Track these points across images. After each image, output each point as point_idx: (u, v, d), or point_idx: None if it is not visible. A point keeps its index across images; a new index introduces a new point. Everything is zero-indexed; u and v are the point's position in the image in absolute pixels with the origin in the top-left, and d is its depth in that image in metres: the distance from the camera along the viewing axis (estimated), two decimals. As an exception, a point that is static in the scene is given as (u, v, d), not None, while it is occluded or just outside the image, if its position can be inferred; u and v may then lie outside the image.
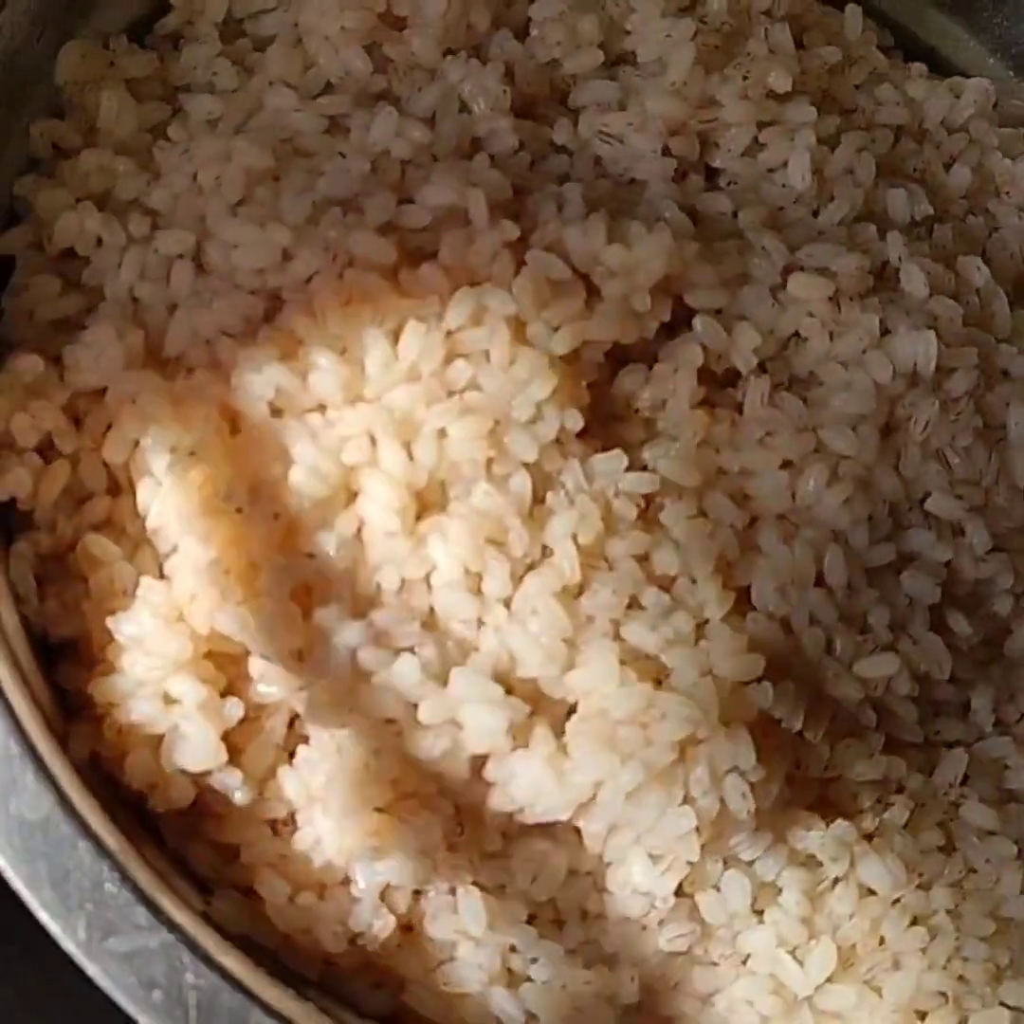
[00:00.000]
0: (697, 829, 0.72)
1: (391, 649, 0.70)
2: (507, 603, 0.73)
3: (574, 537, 0.73)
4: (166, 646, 0.69)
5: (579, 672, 0.72)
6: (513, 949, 0.73)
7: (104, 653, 0.71)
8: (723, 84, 0.85)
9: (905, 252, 0.84)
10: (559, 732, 0.71)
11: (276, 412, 0.72)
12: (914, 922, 0.77)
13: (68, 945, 0.63)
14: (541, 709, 0.72)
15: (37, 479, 0.74)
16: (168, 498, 0.71)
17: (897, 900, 0.77)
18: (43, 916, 0.63)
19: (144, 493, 0.72)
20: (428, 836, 0.70)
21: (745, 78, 0.85)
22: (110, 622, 0.70)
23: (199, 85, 0.83)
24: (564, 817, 0.71)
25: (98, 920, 0.63)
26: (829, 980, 0.76)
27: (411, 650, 0.70)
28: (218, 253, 0.75)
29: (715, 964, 0.75)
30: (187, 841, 0.72)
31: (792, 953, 0.76)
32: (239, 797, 0.70)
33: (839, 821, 0.76)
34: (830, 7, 0.95)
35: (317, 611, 0.70)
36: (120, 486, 0.75)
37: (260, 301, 0.75)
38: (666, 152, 0.84)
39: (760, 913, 0.76)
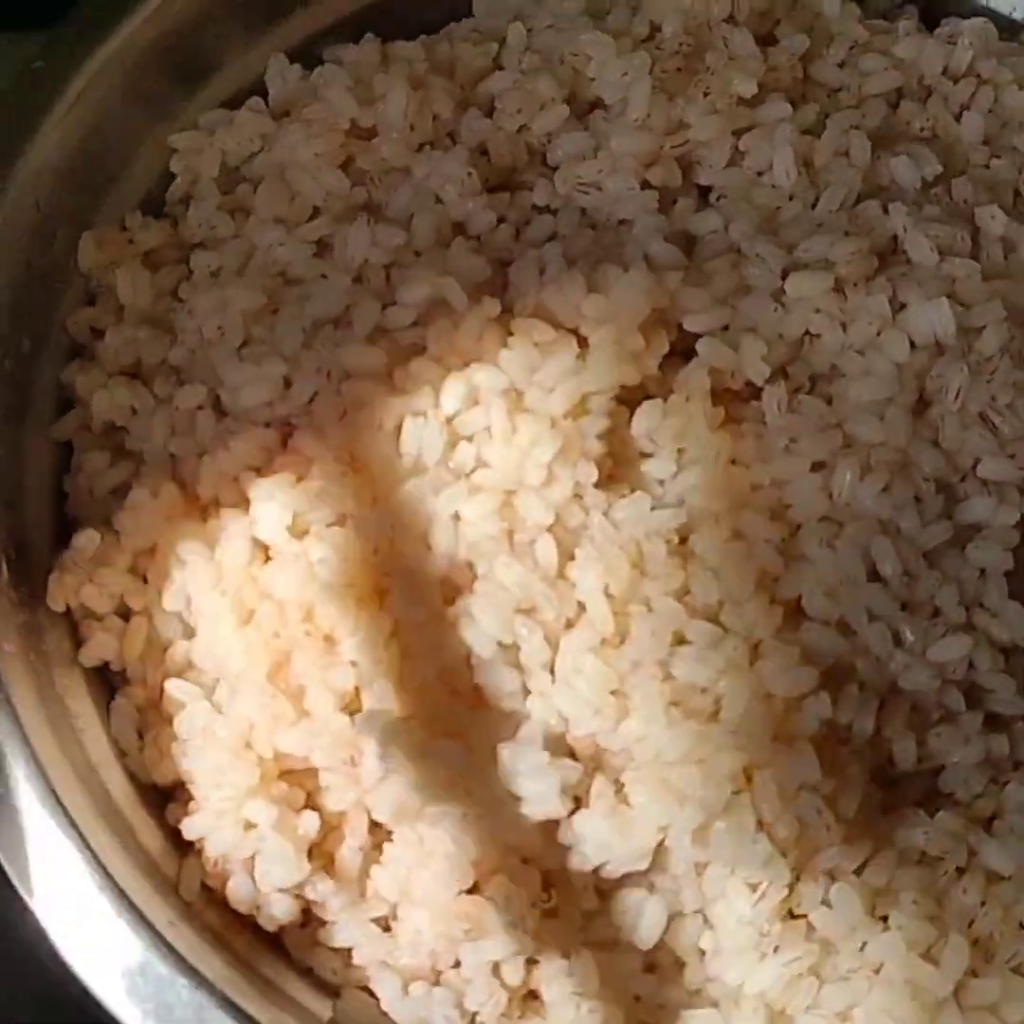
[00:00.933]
0: (782, 853, 0.71)
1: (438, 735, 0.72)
2: (550, 668, 0.74)
3: (605, 588, 0.74)
4: (235, 775, 0.73)
5: (630, 720, 0.73)
6: (638, 998, 0.74)
7: (189, 791, 0.75)
8: (688, 105, 0.85)
9: (909, 222, 0.83)
10: (619, 785, 0.72)
11: (299, 534, 0.76)
12: (1049, 903, 0.74)
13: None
14: (604, 765, 0.73)
15: (120, 639, 0.80)
16: (213, 634, 0.75)
17: (1033, 882, 0.74)
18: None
19: (203, 635, 0.77)
20: (515, 908, 0.71)
21: (706, 94, 0.84)
22: (185, 763, 0.75)
23: (203, 240, 0.87)
24: (642, 866, 0.72)
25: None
26: (974, 974, 0.74)
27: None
28: (230, 397, 0.81)
29: (847, 979, 0.73)
30: (309, 951, 0.76)
31: (926, 954, 0.74)
32: (336, 904, 0.74)
33: (941, 813, 0.74)
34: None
35: (362, 720, 0.72)
36: (192, 630, 0.80)
37: (273, 432, 0.80)
38: (646, 186, 0.85)
39: (885, 919, 0.74)
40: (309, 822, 0.73)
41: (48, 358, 0.86)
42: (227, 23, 0.93)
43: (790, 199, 0.85)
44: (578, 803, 0.73)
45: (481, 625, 0.74)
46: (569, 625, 0.75)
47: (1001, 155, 0.89)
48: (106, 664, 0.81)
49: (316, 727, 0.74)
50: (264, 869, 0.73)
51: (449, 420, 0.78)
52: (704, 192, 0.87)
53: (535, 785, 0.72)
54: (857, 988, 0.74)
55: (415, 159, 0.86)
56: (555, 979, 0.74)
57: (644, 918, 0.73)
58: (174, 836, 0.78)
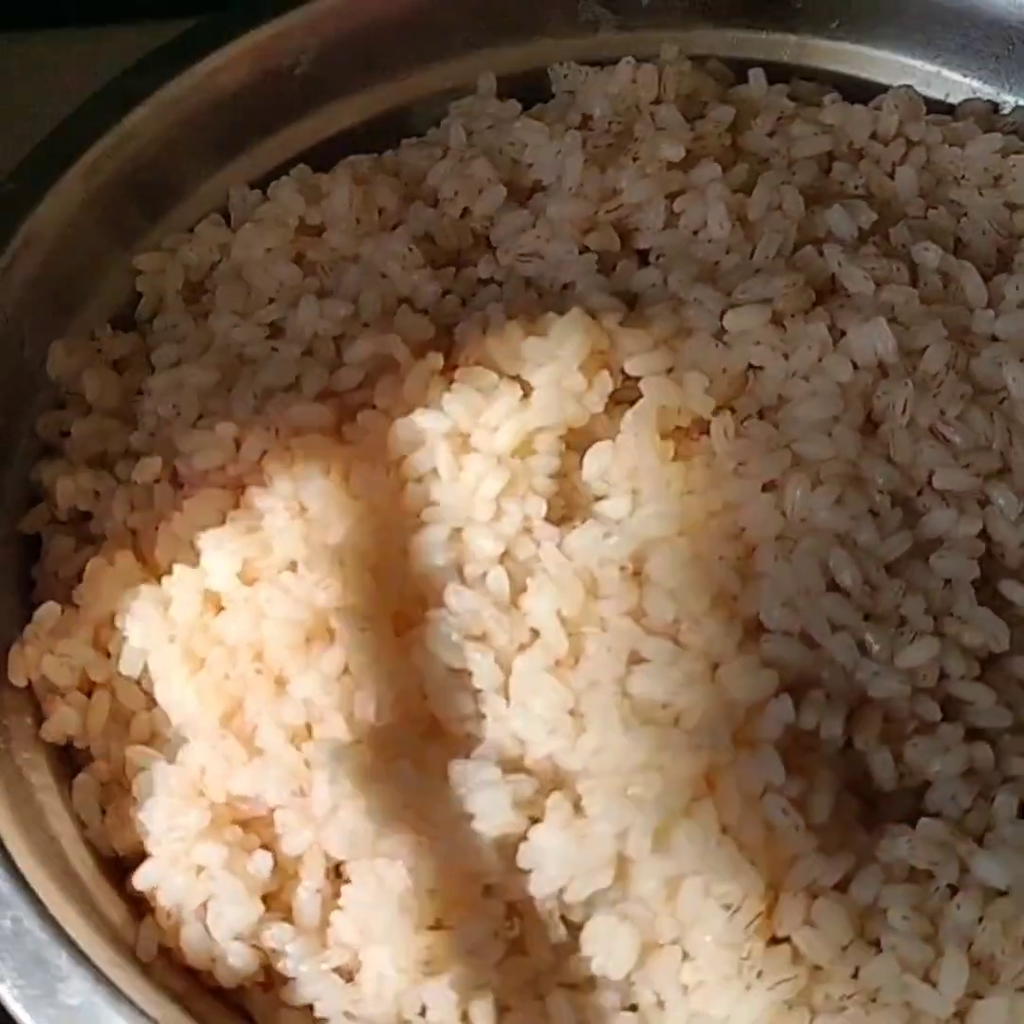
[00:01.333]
0: (751, 861, 0.68)
1: (392, 759, 0.70)
2: (504, 691, 0.73)
3: (557, 612, 0.73)
4: (186, 820, 0.71)
5: (586, 735, 0.71)
6: (618, 1040, 0.70)
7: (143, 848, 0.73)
8: (619, 172, 0.88)
9: (844, 259, 0.85)
10: (577, 798, 0.70)
11: (249, 582, 0.76)
12: (1055, 914, 0.70)
13: None
14: (562, 784, 0.71)
15: (83, 714, 0.79)
16: (167, 687, 0.74)
17: (1032, 893, 0.70)
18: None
19: (160, 692, 0.76)
20: (475, 935, 0.68)
21: (635, 159, 0.88)
22: (141, 815, 0.73)
23: (166, 341, 0.90)
24: (605, 882, 0.69)
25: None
26: (977, 996, 0.69)
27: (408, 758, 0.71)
28: (185, 466, 0.82)
29: (843, 1008, 0.69)
30: (272, 1014, 0.72)
31: (924, 977, 0.69)
32: (294, 952, 0.70)
33: (924, 820, 0.71)
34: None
35: (311, 748, 0.71)
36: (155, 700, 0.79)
37: (227, 493, 0.80)
38: (585, 251, 0.87)
39: (877, 942, 0.70)
40: (261, 861, 0.71)
41: (18, 459, 0.88)
42: (189, 154, 0.97)
43: (727, 252, 0.87)
44: (535, 822, 0.70)
45: (432, 652, 0.73)
46: (522, 648, 0.74)
47: (938, 206, 0.91)
48: (70, 744, 0.80)
49: (268, 764, 0.72)
50: (217, 912, 0.71)
51: (397, 464, 0.78)
52: (645, 256, 0.89)
53: (488, 798, 0.70)
54: (853, 1016, 0.69)
55: (362, 245, 0.89)
56: (528, 1021, 0.70)
57: (617, 944, 0.69)
58: (136, 906, 0.75)
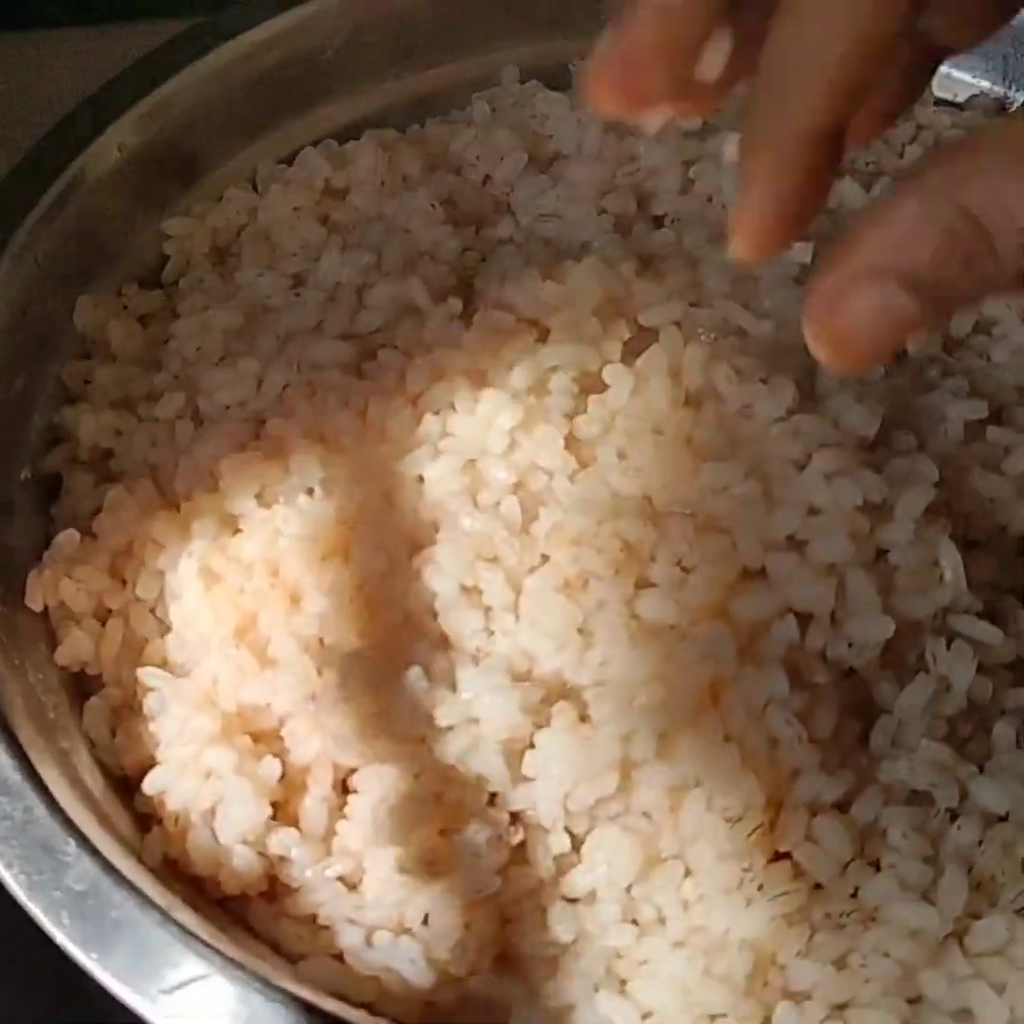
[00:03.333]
0: (754, 770, 0.69)
1: (402, 668, 0.72)
2: (514, 609, 0.74)
3: (569, 538, 0.75)
4: (196, 726, 0.72)
5: (594, 651, 0.72)
6: (618, 955, 0.70)
7: (155, 760, 0.74)
8: (637, 140, 0.91)
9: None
10: (583, 706, 0.71)
11: (267, 505, 0.77)
12: (1054, 839, 0.70)
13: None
14: (568, 695, 0.72)
15: (97, 640, 0.80)
16: (183, 601, 0.76)
17: (1033, 818, 0.71)
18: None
19: (174, 612, 0.78)
20: (477, 840, 0.69)
21: (653, 127, 0.90)
22: (152, 727, 0.74)
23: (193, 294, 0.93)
24: (610, 789, 0.69)
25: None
26: (975, 917, 0.69)
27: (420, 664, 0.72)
28: (206, 402, 0.84)
29: (842, 925, 0.69)
30: (273, 924, 0.72)
31: (924, 896, 0.69)
32: (299, 857, 0.71)
33: (925, 742, 0.72)
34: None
35: (323, 654, 0.72)
36: (168, 627, 0.80)
37: (247, 426, 0.82)
38: (603, 213, 0.90)
39: (877, 863, 0.70)
40: (270, 766, 0.72)
41: (42, 402, 0.90)
42: (220, 128, 1.01)
43: (741, 217, 0.89)
44: (540, 729, 0.71)
45: (444, 570, 0.75)
46: (532, 571, 0.75)
47: (945, 183, 0.93)
48: (83, 672, 0.81)
49: (279, 673, 0.73)
50: (224, 815, 0.71)
51: (415, 399, 0.80)
52: (660, 221, 0.92)
53: (495, 703, 0.70)
54: (852, 933, 0.70)
55: (386, 205, 0.92)
56: (530, 932, 0.70)
57: (619, 856, 0.70)
58: (143, 823, 0.76)
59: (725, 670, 0.70)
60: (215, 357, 0.86)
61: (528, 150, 0.95)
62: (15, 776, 0.70)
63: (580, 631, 0.73)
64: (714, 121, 0.93)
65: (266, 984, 0.64)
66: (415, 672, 0.72)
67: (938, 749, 0.72)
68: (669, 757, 0.69)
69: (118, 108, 0.96)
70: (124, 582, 0.82)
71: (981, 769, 0.72)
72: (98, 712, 0.79)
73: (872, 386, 0.81)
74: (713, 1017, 0.69)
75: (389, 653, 0.73)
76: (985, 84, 1.05)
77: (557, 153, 0.96)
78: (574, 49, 1.07)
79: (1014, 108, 1.04)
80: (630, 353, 0.83)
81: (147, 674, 0.78)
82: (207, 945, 0.65)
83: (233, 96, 1.01)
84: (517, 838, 0.70)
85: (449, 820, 0.70)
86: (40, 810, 0.69)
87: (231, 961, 0.64)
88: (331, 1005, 0.66)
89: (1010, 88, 1.04)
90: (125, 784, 0.78)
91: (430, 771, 0.70)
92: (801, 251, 0.86)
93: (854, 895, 0.70)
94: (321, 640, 0.74)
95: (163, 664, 0.80)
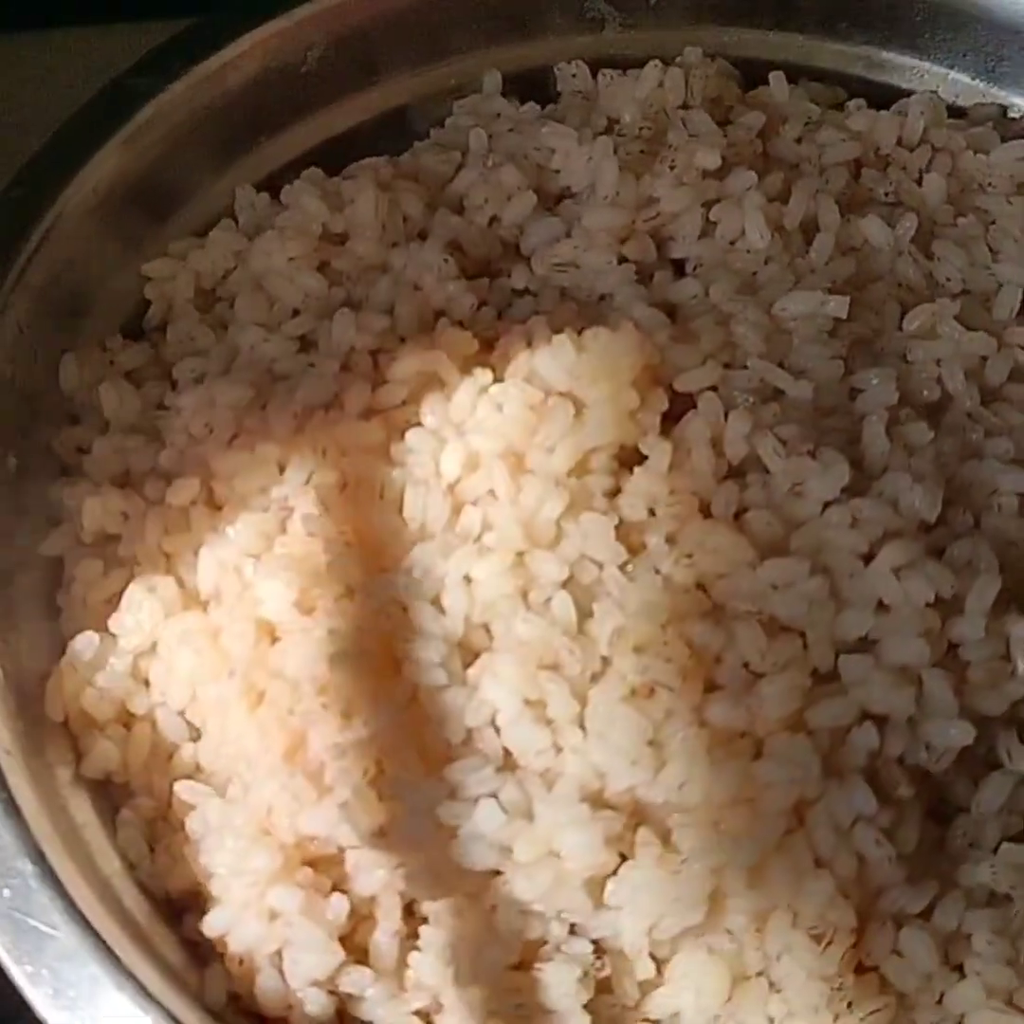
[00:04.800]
0: (845, 894, 0.67)
1: (470, 800, 0.68)
2: (580, 723, 0.70)
3: (629, 641, 0.71)
4: (256, 862, 0.68)
5: (669, 768, 0.69)
6: (705, 1081, 0.68)
7: (209, 891, 0.70)
8: (655, 180, 0.86)
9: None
10: (666, 834, 0.68)
11: (306, 611, 0.72)
12: None
13: None
14: (647, 818, 0.69)
15: (123, 748, 0.75)
16: (222, 723, 0.71)
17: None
18: None
19: (211, 727, 0.73)
20: (564, 977, 0.66)
21: (672, 167, 0.86)
22: (202, 858, 0.69)
23: (185, 354, 0.86)
24: (697, 919, 0.67)
25: None
26: (1067, 1020, 0.69)
27: (492, 795, 0.68)
28: (223, 488, 0.78)
29: (930, 1036, 0.68)
30: (352, 1061, 0.69)
31: (1009, 1002, 0.68)
32: (374, 996, 0.68)
33: (1006, 845, 0.70)
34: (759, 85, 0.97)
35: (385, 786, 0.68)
36: (198, 732, 0.75)
37: (271, 516, 0.77)
38: (623, 260, 0.85)
39: (960, 968, 0.69)
40: (338, 906, 0.68)
41: (33, 477, 0.83)
42: (195, 154, 0.93)
43: (765, 263, 0.85)
44: (623, 859, 0.68)
45: (504, 682, 0.71)
46: (594, 678, 0.71)
47: (967, 214, 0.90)
48: (109, 779, 0.76)
49: (340, 804, 0.69)
50: (294, 959, 0.68)
51: (452, 487, 0.75)
52: (680, 266, 0.87)
53: (577, 837, 0.67)
54: (942, 1042, 0.68)
55: (391, 254, 0.86)
56: (619, 1061, 0.68)
57: (706, 979, 0.68)
58: (193, 949, 0.72)
59: (810, 789, 0.68)
60: (226, 435, 0.80)
61: (534, 185, 0.89)
62: (72, 940, 0.65)
63: (650, 744, 0.70)
64: (730, 157, 0.88)
65: None
66: (486, 804, 0.68)
67: (1018, 850, 0.70)
68: (759, 884, 0.67)
69: (86, 149, 0.88)
70: (147, 684, 0.77)
71: (1058, 866, 0.71)
72: (132, 826, 0.75)
73: (922, 454, 0.78)
74: None
75: (454, 785, 0.69)
76: (983, 86, 1.01)
77: (565, 189, 0.90)
78: (555, 49, 1.01)
79: (1016, 115, 1.00)
80: (666, 420, 0.79)
81: (185, 789, 0.74)
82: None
83: (206, 119, 0.94)
84: (605, 972, 0.68)
85: (529, 954, 0.67)
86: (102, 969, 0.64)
87: None
88: None
89: (1011, 92, 1.01)
90: (169, 905, 0.73)
91: (506, 905, 0.67)
92: (837, 306, 0.82)
93: (939, 1002, 0.69)
94: (380, 766, 0.70)
95: (195, 772, 0.75)
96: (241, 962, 0.69)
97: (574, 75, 0.99)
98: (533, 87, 0.99)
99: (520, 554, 0.74)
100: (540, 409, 0.77)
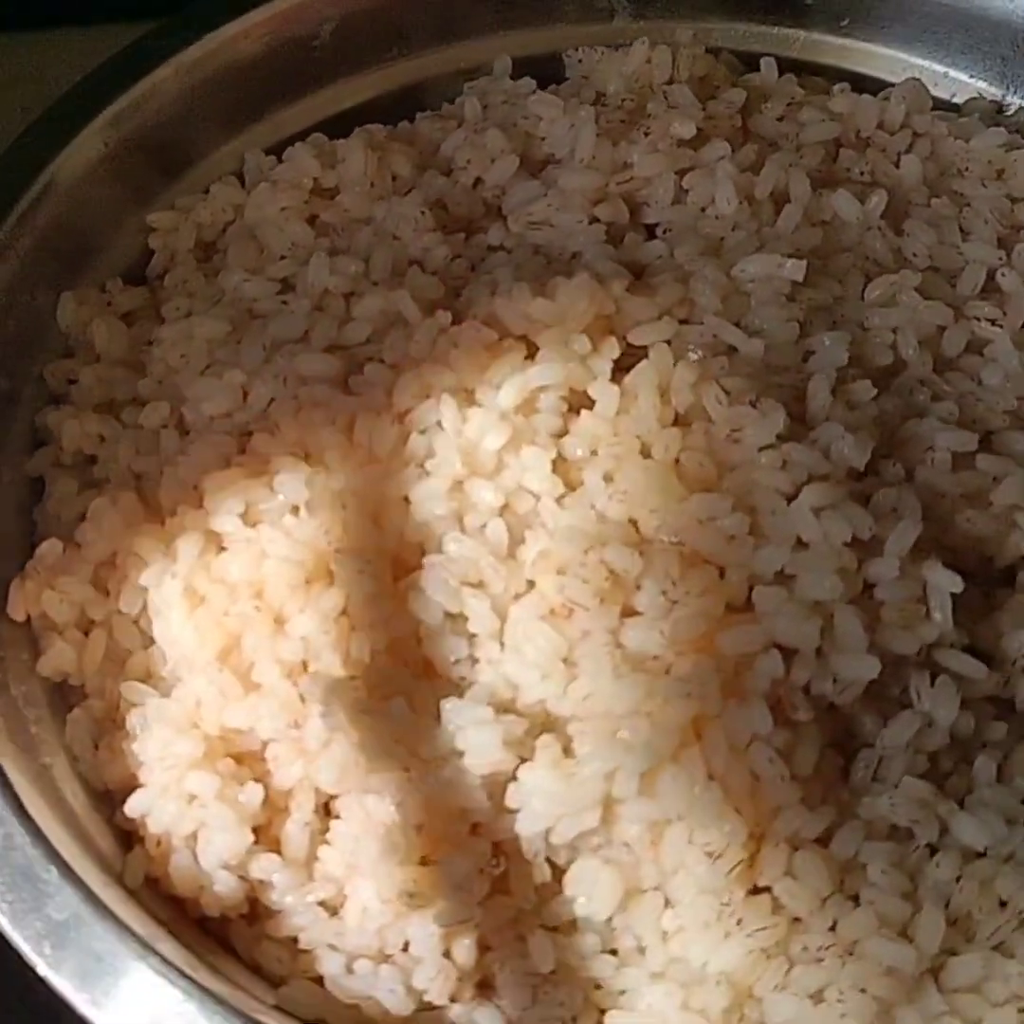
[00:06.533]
0: (737, 809, 0.70)
1: (387, 696, 0.72)
2: (498, 637, 0.75)
3: (554, 563, 0.75)
4: (180, 749, 0.73)
5: (578, 682, 0.73)
6: (597, 985, 0.72)
7: (140, 781, 0.75)
8: (631, 146, 0.91)
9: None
10: (566, 740, 0.72)
11: (252, 524, 0.78)
12: (1033, 874, 0.72)
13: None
14: (552, 727, 0.73)
15: (80, 652, 0.81)
16: (166, 623, 0.76)
17: (1010, 856, 0.72)
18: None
19: (158, 628, 0.78)
20: (461, 871, 0.70)
21: (647, 134, 0.91)
22: (134, 746, 0.75)
23: (177, 296, 0.93)
24: (592, 823, 0.70)
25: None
26: (953, 953, 0.71)
27: (403, 694, 0.73)
28: (192, 412, 0.84)
29: (820, 959, 0.71)
30: (255, 945, 0.74)
31: (901, 932, 0.71)
32: (281, 883, 0.72)
33: (907, 779, 0.73)
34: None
35: (307, 682, 0.73)
36: (151, 639, 0.81)
37: (231, 439, 0.82)
38: (594, 221, 0.90)
39: (856, 897, 0.72)
40: (252, 792, 0.73)
41: (24, 404, 0.90)
42: (207, 117, 1.00)
43: (733, 229, 0.89)
44: (524, 762, 0.72)
45: (430, 596, 0.75)
46: (517, 597, 0.76)
47: (941, 195, 0.94)
48: (65, 681, 0.82)
49: (263, 697, 0.74)
50: (207, 841, 0.72)
51: (401, 415, 0.81)
52: (653, 231, 0.92)
53: (478, 737, 0.72)
54: (829, 967, 0.71)
55: (375, 208, 0.92)
56: (509, 961, 0.72)
57: (600, 887, 0.71)
58: (124, 839, 0.77)
59: (709, 706, 0.71)
60: (200, 366, 0.87)
61: (521, 152, 0.95)
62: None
63: (565, 661, 0.74)
64: (708, 129, 0.93)
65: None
66: (398, 703, 0.73)
67: (919, 785, 0.73)
68: (651, 793, 0.70)
69: (101, 100, 0.96)
70: (107, 593, 0.83)
71: (961, 804, 0.74)
72: (81, 724, 0.80)
73: (863, 410, 0.82)
74: (691, 1049, 0.70)
75: (371, 681, 0.74)
76: (981, 84, 1.05)
77: (550, 156, 0.96)
78: (566, 37, 1.07)
79: (1010, 112, 1.04)
80: (619, 370, 0.83)
81: (131, 689, 0.79)
82: (186, 977, 0.66)
83: (220, 85, 1.01)
84: (498, 870, 0.71)
85: (430, 850, 0.71)
86: (22, 837, 0.70)
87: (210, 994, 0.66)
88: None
89: (1007, 90, 1.05)
90: (108, 798, 0.79)
91: (412, 801, 0.71)
92: (794, 269, 0.86)
93: (832, 929, 0.72)
94: (305, 664, 0.75)
95: (146, 677, 0.81)
96: (159, 843, 0.74)
97: (580, 60, 1.04)
98: (544, 73, 1.05)
99: (459, 481, 0.78)
100: (494, 348, 0.82)
